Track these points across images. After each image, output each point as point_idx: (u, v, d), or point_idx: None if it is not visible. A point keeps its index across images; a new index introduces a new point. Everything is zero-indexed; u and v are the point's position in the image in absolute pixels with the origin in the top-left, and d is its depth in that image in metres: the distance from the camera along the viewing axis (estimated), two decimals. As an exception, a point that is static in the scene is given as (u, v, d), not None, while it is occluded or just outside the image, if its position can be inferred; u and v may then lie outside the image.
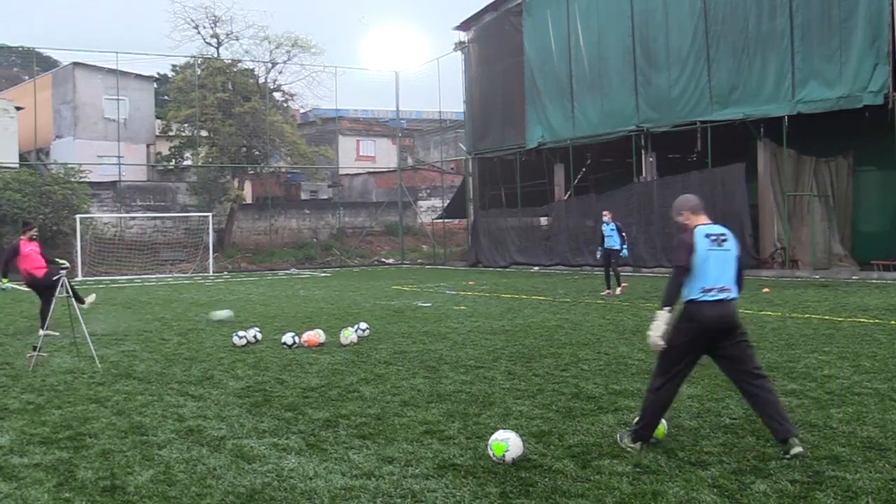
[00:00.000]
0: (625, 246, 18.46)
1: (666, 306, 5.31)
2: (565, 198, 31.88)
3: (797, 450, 5.09)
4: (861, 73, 21.09)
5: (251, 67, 40.22)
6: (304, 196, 49.05)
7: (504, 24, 33.42)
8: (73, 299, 10.29)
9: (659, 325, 5.28)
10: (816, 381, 7.62)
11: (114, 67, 37.45)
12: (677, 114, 25.86)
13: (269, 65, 39.69)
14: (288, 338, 10.64)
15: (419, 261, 39.74)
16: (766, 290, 17.92)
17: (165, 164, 42.03)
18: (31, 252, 12.65)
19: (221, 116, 37.80)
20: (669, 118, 26.12)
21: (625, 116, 27.60)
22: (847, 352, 9.24)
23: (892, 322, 11.85)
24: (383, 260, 40.19)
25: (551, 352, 9.78)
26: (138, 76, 42.30)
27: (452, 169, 45.41)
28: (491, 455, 5.17)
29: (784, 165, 23.82)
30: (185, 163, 40.97)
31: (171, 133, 40.85)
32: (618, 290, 17.88)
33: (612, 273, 18.29)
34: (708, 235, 5.37)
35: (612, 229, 18.35)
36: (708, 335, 5.34)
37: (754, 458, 5.19)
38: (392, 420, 6.42)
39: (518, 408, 6.76)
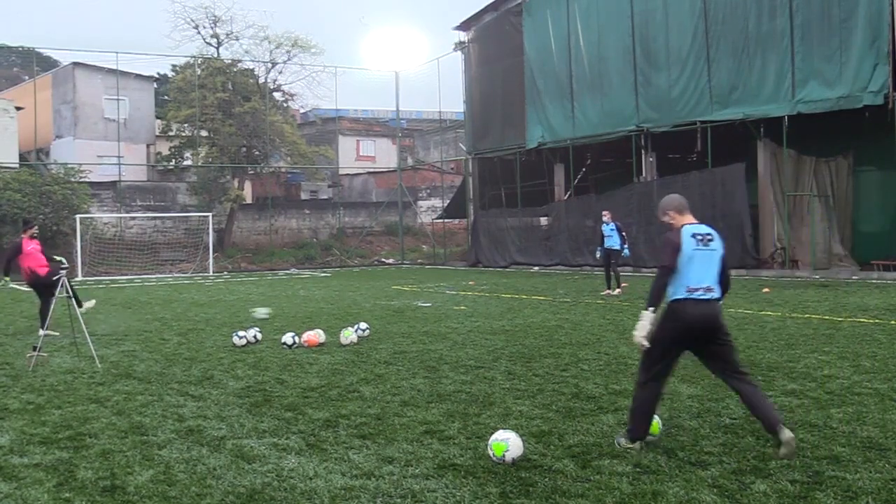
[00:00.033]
0: (626, 246, 18.47)
1: (651, 307, 5.34)
2: (565, 198, 31.88)
3: (788, 434, 5.12)
4: (861, 73, 21.09)
5: (251, 67, 40.27)
6: (304, 196, 49.06)
7: (504, 24, 33.42)
8: (72, 299, 10.28)
9: (643, 326, 5.32)
10: (816, 381, 7.62)
11: (114, 67, 37.48)
12: (677, 114, 25.86)
13: (269, 65, 39.72)
14: (288, 338, 10.64)
15: (419, 261, 39.74)
16: (766, 290, 17.92)
17: (165, 164, 42.04)
18: (33, 250, 12.62)
19: (221, 116, 37.80)
20: (669, 118, 26.12)
21: (625, 116, 27.60)
22: (847, 352, 9.23)
23: (892, 322, 11.85)
24: (383, 260, 40.19)
25: (551, 352, 9.78)
26: (138, 76, 42.30)
27: (452, 169, 45.42)
28: (491, 455, 5.17)
29: (784, 165, 23.82)
30: (185, 163, 40.98)
31: (171, 133, 40.86)
32: (617, 291, 17.87)
33: (612, 273, 18.29)
34: (694, 235, 5.40)
35: (611, 229, 18.36)
36: (691, 334, 5.37)
37: (754, 458, 5.19)
38: (392, 420, 6.42)
39: (518, 408, 6.76)
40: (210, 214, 34.76)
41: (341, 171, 48.91)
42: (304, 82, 63.53)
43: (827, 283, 19.55)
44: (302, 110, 49.47)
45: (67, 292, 9.97)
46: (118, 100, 39.68)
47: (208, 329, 12.92)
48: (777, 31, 23.02)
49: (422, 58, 52.75)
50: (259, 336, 11.11)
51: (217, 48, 39.40)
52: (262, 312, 14.38)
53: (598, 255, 19.48)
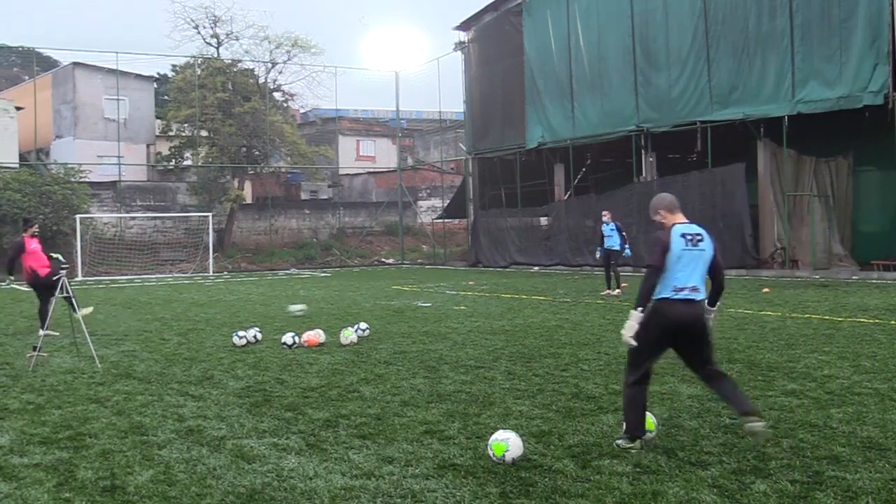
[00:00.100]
0: (626, 245, 18.47)
1: (639, 306, 5.39)
2: (565, 198, 31.88)
3: (756, 426, 5.22)
4: (861, 73, 21.09)
5: (251, 67, 40.27)
6: (304, 196, 49.05)
7: (504, 24, 33.42)
8: (73, 299, 10.28)
9: (632, 325, 5.37)
10: (816, 381, 7.62)
11: (114, 67, 37.47)
12: (677, 114, 25.86)
13: (269, 65, 39.72)
14: (288, 338, 10.64)
15: (419, 261, 39.74)
16: (766, 290, 17.92)
17: (165, 164, 42.03)
18: (35, 249, 12.60)
19: (221, 116, 37.80)
20: (669, 118, 26.12)
21: (625, 116, 27.60)
22: (847, 352, 9.24)
23: (892, 322, 11.85)
24: (383, 260, 40.19)
25: (551, 352, 9.78)
26: (138, 76, 42.30)
27: (452, 169, 45.42)
28: (491, 455, 5.17)
29: (784, 165, 23.82)
30: (185, 163, 40.97)
31: (171, 133, 40.85)
32: (617, 291, 17.87)
33: (612, 273, 18.29)
34: (684, 235, 5.44)
35: (611, 229, 18.37)
36: (675, 333, 5.43)
37: (754, 458, 5.19)
38: (392, 420, 6.42)
39: (518, 408, 6.76)
40: (210, 214, 34.76)
41: (341, 171, 48.91)
42: (304, 82, 63.58)
43: (827, 283, 19.55)
44: (302, 110, 49.48)
45: (67, 292, 9.97)
46: (118, 100, 39.67)
47: (208, 329, 12.92)
48: (777, 31, 23.02)
49: (422, 58, 52.80)
50: (259, 336, 11.12)
51: (217, 48, 39.41)
52: (297, 309, 14.49)
53: (597, 255, 19.48)
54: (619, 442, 5.49)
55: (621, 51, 27.61)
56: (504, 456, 5.11)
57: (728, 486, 4.66)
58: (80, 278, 29.01)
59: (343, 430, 6.14)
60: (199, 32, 38.97)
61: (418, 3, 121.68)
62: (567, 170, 31.18)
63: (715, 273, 5.55)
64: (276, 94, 41.21)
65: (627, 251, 18.52)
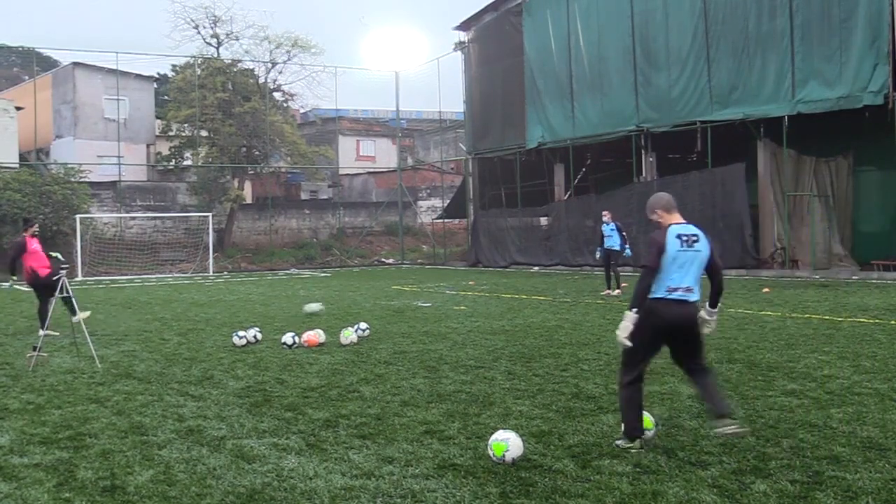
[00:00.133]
0: (627, 245, 18.47)
1: (634, 307, 5.39)
2: (565, 198, 31.87)
3: (728, 429, 5.26)
4: (861, 73, 21.09)
5: (251, 67, 40.26)
6: (304, 196, 49.05)
7: (504, 24, 33.42)
8: (72, 300, 10.28)
9: (626, 326, 5.37)
10: (816, 381, 7.62)
11: (114, 67, 37.47)
12: (677, 114, 25.86)
13: (269, 65, 39.72)
14: (288, 338, 10.64)
15: (419, 261, 39.74)
16: (766, 290, 17.92)
17: (165, 164, 42.03)
18: (35, 249, 12.58)
19: (221, 116, 37.80)
20: (669, 118, 26.12)
21: (625, 116, 27.60)
22: (847, 352, 9.24)
23: (892, 322, 11.85)
24: (383, 260, 40.19)
25: (551, 352, 9.78)
26: (138, 76, 42.30)
27: (452, 169, 45.41)
28: (491, 455, 5.17)
29: (784, 165, 23.82)
30: (185, 163, 40.97)
31: (171, 133, 40.85)
32: (617, 291, 17.86)
33: (612, 273, 18.29)
34: (679, 236, 5.45)
35: (611, 229, 18.37)
36: (667, 332, 5.46)
37: (754, 458, 5.19)
38: (392, 420, 6.42)
39: (518, 408, 6.76)
40: (210, 214, 34.76)
41: (341, 171, 48.91)
42: (304, 82, 63.55)
43: (827, 283, 19.55)
44: (302, 110, 49.48)
45: (67, 292, 9.97)
46: (118, 100, 39.67)
47: (208, 329, 12.92)
48: (777, 31, 23.02)
49: (422, 58, 52.77)
50: (259, 336, 11.12)
51: (217, 48, 39.41)
52: (314, 307, 14.46)
53: (597, 255, 19.48)
54: (618, 442, 5.49)
55: (621, 51, 27.61)
56: (504, 456, 5.11)
57: (728, 486, 4.66)
58: (80, 278, 29.01)
59: (343, 430, 6.14)
60: (199, 32, 39.02)
61: (418, 3, 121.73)
62: (567, 170, 31.18)
63: (713, 274, 5.55)
64: (276, 94, 41.23)
65: (628, 251, 18.52)
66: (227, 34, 39.16)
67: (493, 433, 5.39)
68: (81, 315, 10.62)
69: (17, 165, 35.81)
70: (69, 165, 34.53)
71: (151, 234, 37.06)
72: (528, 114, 31.71)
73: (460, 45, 36.52)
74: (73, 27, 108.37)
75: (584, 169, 33.41)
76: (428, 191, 46.38)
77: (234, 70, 39.59)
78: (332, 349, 10.30)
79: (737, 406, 6.59)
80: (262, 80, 40.01)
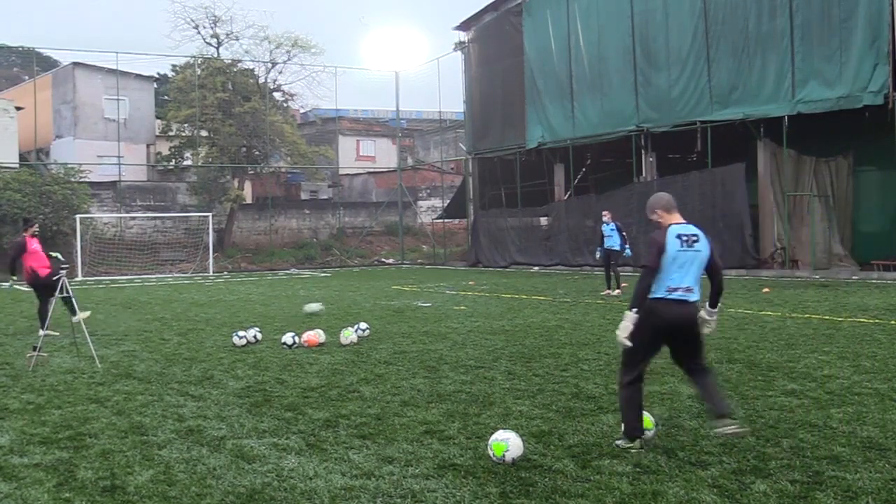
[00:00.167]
0: (627, 245, 18.47)
1: (634, 307, 5.40)
2: (565, 198, 31.87)
3: (728, 429, 5.27)
4: (861, 73, 21.09)
5: (251, 67, 40.26)
6: (304, 196, 49.05)
7: (504, 24, 33.42)
8: (72, 300, 10.28)
9: (626, 326, 5.38)
10: (816, 381, 7.62)
11: (114, 67, 37.47)
12: (677, 114, 25.86)
13: (269, 65, 39.72)
14: (288, 338, 10.64)
15: (419, 261, 39.74)
16: (766, 290, 17.92)
17: (165, 164, 42.04)
18: (36, 249, 12.58)
19: (221, 116, 37.80)
20: (669, 118, 26.12)
21: (625, 116, 27.60)
22: (847, 352, 9.23)
23: (892, 322, 11.85)
24: (383, 260, 40.19)
25: (551, 352, 9.78)
26: (138, 76, 42.30)
27: (452, 169, 45.41)
28: (491, 455, 5.17)
29: (784, 165, 23.82)
30: (185, 163, 40.97)
31: (171, 133, 40.85)
32: (617, 291, 17.86)
33: (612, 273, 18.29)
34: (679, 236, 5.46)
35: (612, 229, 18.37)
36: (668, 333, 5.46)
37: (754, 458, 5.19)
38: (392, 420, 6.42)
39: (518, 408, 6.76)
40: (210, 214, 34.76)
41: (341, 171, 48.91)
42: (304, 82, 63.56)
43: (827, 283, 19.55)
44: (302, 110, 49.48)
45: (67, 292, 9.97)
46: (118, 100, 39.67)
47: (208, 329, 12.92)
48: (777, 31, 23.02)
49: (422, 58, 52.76)
50: (259, 336, 11.12)
51: (217, 48, 39.41)
52: (314, 307, 14.49)
53: (597, 255, 19.48)
54: (618, 442, 5.49)
55: (621, 51, 27.61)
56: (504, 456, 5.11)
57: (728, 486, 4.66)
58: (80, 278, 29.01)
59: (343, 430, 6.14)
60: (199, 32, 39.02)
61: (418, 3, 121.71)
62: (567, 170, 31.18)
63: (713, 274, 5.56)
64: (276, 94, 41.22)
65: (628, 251, 18.52)
66: (227, 34, 39.21)
67: (493, 433, 5.39)
68: (81, 315, 10.63)
69: (17, 165, 35.81)
70: (69, 165, 34.53)
71: (151, 234, 37.06)
72: (528, 114, 31.71)
73: (460, 45, 36.52)
74: (73, 27, 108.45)
75: (584, 169, 33.41)
76: (428, 191, 46.38)
77: (234, 70, 39.59)
78: (332, 349, 10.30)
79: (737, 406, 6.59)
80: (262, 80, 40.02)
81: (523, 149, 32.15)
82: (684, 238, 5.44)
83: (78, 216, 31.35)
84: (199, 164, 38.40)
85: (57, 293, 10.08)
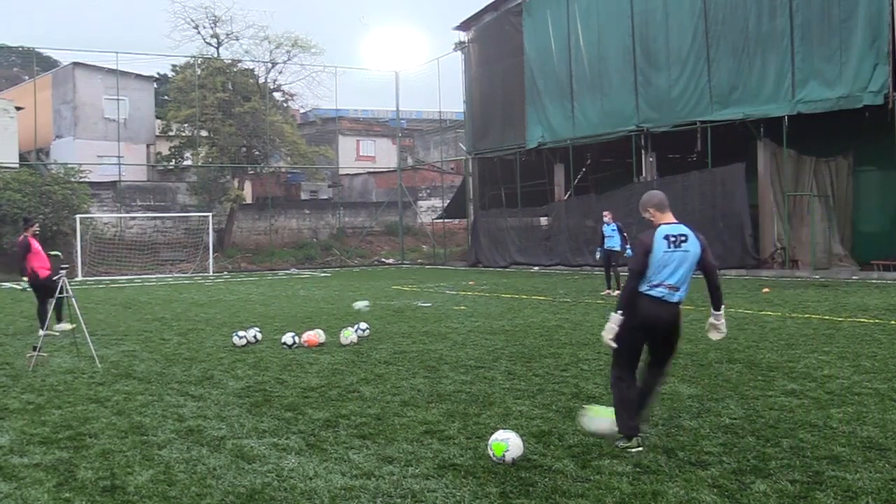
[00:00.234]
0: (627, 246, 18.47)
1: (619, 309, 5.43)
2: (565, 198, 31.87)
3: (627, 446, 5.37)
4: (861, 73, 21.09)
5: (251, 67, 40.27)
6: (304, 196, 49.05)
7: (504, 24, 33.42)
8: (65, 303, 10.27)
9: (611, 327, 5.42)
10: (816, 381, 7.62)
11: (114, 67, 37.48)
12: (677, 114, 25.86)
13: (269, 65, 39.72)
14: (288, 338, 10.64)
15: (419, 261, 39.74)
16: (766, 290, 17.92)
17: (165, 164, 42.04)
18: (37, 249, 12.57)
19: (221, 116, 37.80)
20: (669, 118, 26.12)
21: (625, 116, 27.60)
22: (847, 352, 9.23)
23: (892, 322, 11.85)
24: (383, 260, 40.19)
25: (551, 352, 9.78)
26: (138, 76, 42.30)
27: (452, 169, 45.41)
28: (491, 455, 5.17)
29: (784, 165, 23.82)
30: (185, 163, 40.98)
31: (171, 133, 40.86)
32: (616, 292, 17.85)
33: (612, 273, 18.30)
34: (667, 237, 5.46)
35: (612, 230, 18.38)
36: (648, 330, 5.48)
37: (754, 458, 5.19)
38: (392, 420, 6.42)
39: (518, 408, 6.76)
40: (210, 214, 34.76)
41: (341, 171, 48.91)
42: (304, 82, 63.63)
43: (827, 283, 19.55)
44: (302, 110, 49.48)
45: (67, 292, 9.96)
46: (118, 100, 39.68)
47: (208, 329, 12.92)
48: (777, 31, 23.02)
49: (422, 58, 52.70)
50: (259, 336, 11.12)
51: (217, 48, 39.41)
52: (362, 305, 14.84)
53: (597, 255, 19.49)
54: (618, 442, 5.49)
55: (621, 51, 27.61)
56: (504, 456, 5.11)
57: (728, 486, 4.66)
58: (80, 278, 29.02)
59: (343, 430, 6.14)
60: (199, 32, 39.03)
61: (418, 3, 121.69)
62: (567, 170, 31.18)
63: (707, 273, 5.56)
64: (276, 94, 41.23)
65: (629, 251, 18.50)
66: (227, 34, 39.22)
67: (493, 433, 5.39)
68: (64, 326, 10.61)
69: (17, 165, 35.81)
70: (69, 165, 34.52)
71: (151, 234, 37.06)
72: (528, 114, 31.71)
73: (460, 45, 36.52)
74: (73, 27, 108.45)
75: (584, 169, 33.40)
76: (428, 191, 46.38)
77: (234, 70, 39.59)
78: (332, 349, 10.30)
79: (737, 406, 6.59)
80: (262, 80, 40.03)
81: (523, 149, 32.15)
82: (672, 239, 5.45)
83: (78, 216, 31.36)
84: (199, 164, 38.40)
85: (56, 293, 10.08)
